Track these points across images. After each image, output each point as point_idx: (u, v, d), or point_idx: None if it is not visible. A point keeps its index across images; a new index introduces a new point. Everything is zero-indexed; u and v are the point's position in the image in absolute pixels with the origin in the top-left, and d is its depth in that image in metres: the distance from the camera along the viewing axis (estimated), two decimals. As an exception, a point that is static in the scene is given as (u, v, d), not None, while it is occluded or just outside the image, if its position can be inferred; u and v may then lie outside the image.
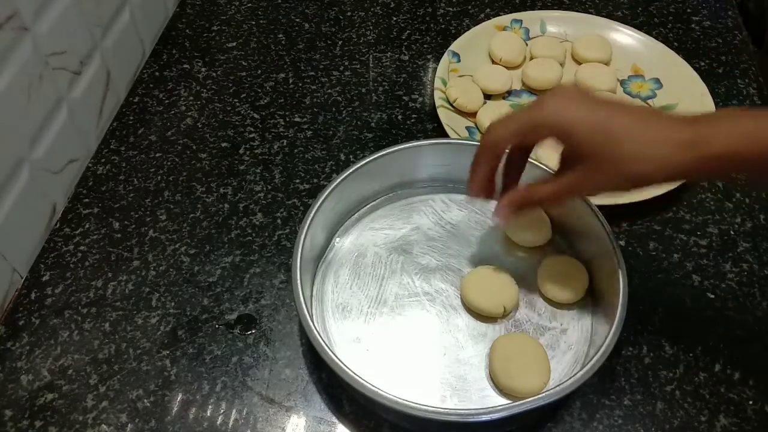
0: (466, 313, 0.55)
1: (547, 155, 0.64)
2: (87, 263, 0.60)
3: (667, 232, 0.62)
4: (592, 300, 0.55)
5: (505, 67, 0.75)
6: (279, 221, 0.63)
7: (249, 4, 0.86)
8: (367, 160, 0.58)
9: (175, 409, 0.51)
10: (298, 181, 0.66)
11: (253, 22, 0.83)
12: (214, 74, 0.77)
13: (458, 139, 0.65)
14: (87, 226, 0.62)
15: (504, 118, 0.48)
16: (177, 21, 0.83)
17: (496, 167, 0.50)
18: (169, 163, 0.68)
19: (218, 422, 0.50)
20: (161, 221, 0.63)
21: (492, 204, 0.53)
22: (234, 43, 0.81)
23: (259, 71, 0.77)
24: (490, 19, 0.80)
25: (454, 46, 0.76)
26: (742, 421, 0.50)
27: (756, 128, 0.41)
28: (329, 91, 0.75)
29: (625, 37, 0.77)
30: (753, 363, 0.53)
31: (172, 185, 0.66)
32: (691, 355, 0.54)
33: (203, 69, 0.77)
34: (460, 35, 0.77)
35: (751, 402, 0.51)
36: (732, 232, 0.62)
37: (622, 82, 0.74)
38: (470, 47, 0.76)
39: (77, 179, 0.66)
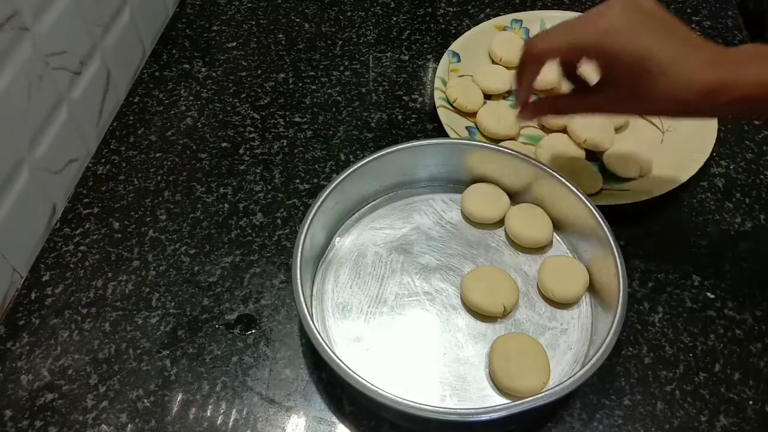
0: (466, 313, 0.55)
1: (546, 153, 0.65)
2: (87, 263, 0.60)
3: (667, 232, 0.62)
4: (592, 300, 0.55)
5: (505, 67, 0.75)
6: (279, 221, 0.63)
7: (249, 4, 0.86)
8: (367, 160, 0.58)
9: (175, 409, 0.51)
10: (298, 181, 0.66)
11: (253, 22, 0.83)
12: (214, 74, 0.77)
13: (458, 139, 0.65)
14: (87, 226, 0.62)
15: (553, 30, 0.49)
16: (177, 21, 0.83)
17: (538, 74, 0.51)
18: (169, 163, 0.68)
19: (218, 422, 0.50)
20: (161, 221, 0.63)
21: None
22: (234, 43, 0.81)
23: (259, 71, 0.77)
24: (490, 19, 0.80)
25: (454, 46, 0.76)
26: (742, 421, 0.50)
27: None
28: (329, 91, 0.75)
29: (625, 37, 0.77)
30: (753, 363, 0.53)
31: (172, 185, 0.66)
32: (691, 355, 0.54)
33: (203, 69, 0.77)
34: (460, 35, 0.77)
35: (751, 402, 0.51)
36: (732, 232, 0.62)
37: (622, 82, 0.74)
38: (470, 47, 0.76)
39: (77, 179, 0.66)
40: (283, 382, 0.52)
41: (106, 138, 0.70)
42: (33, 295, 0.57)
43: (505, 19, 0.80)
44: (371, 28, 0.83)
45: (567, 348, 0.53)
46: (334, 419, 0.51)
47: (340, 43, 0.81)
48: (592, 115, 0.52)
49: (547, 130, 0.69)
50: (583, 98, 0.51)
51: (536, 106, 0.53)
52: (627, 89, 0.47)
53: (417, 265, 0.58)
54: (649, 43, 0.45)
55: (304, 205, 0.64)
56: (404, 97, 0.74)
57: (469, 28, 0.78)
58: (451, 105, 0.70)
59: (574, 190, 0.56)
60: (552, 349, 0.52)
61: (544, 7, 0.85)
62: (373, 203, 0.62)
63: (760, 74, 0.44)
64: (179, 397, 0.52)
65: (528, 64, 0.51)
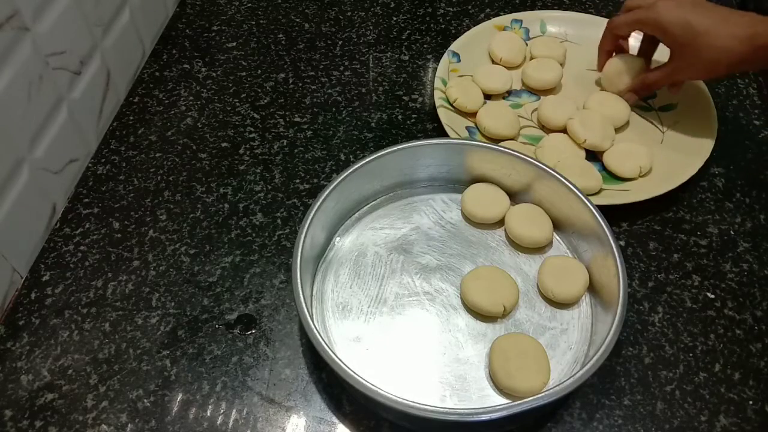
0: (466, 313, 0.55)
1: (546, 157, 0.65)
2: (87, 263, 0.60)
3: (667, 232, 0.62)
4: (592, 300, 0.55)
5: (505, 67, 0.75)
6: (279, 221, 0.63)
7: (249, 4, 0.86)
8: (367, 159, 0.58)
9: (175, 409, 0.51)
10: (298, 181, 0.66)
11: (253, 22, 0.83)
12: (214, 74, 0.77)
13: (458, 139, 0.65)
14: (87, 226, 0.62)
15: (626, 12, 0.67)
16: (177, 21, 0.83)
17: (615, 45, 0.71)
18: (169, 163, 0.68)
19: (218, 422, 0.50)
20: (161, 221, 0.63)
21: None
22: (234, 43, 0.81)
23: (259, 71, 0.77)
24: (490, 19, 0.80)
25: (454, 46, 0.76)
26: (742, 421, 0.50)
27: None
28: (329, 91, 0.75)
29: (625, 37, 0.77)
30: (753, 363, 0.53)
31: (172, 185, 0.66)
32: (691, 355, 0.54)
33: (203, 69, 0.77)
34: (460, 35, 0.77)
35: (751, 402, 0.51)
36: (732, 232, 0.62)
37: (622, 82, 0.75)
38: (470, 47, 0.76)
39: (77, 179, 0.66)
40: (283, 382, 0.52)
41: (106, 138, 0.70)
42: (33, 295, 0.57)
43: (505, 19, 0.80)
44: (371, 28, 0.83)
45: (567, 348, 0.53)
46: (334, 419, 0.51)
47: (340, 43, 0.81)
48: (672, 82, 0.67)
49: (547, 130, 0.69)
50: (660, 69, 0.66)
51: (634, 86, 0.69)
52: (682, 50, 0.62)
53: (417, 265, 0.58)
54: (690, 15, 0.60)
55: (304, 205, 0.64)
56: (404, 97, 0.74)
57: (469, 28, 0.78)
58: (451, 105, 0.70)
59: (574, 190, 0.56)
60: (552, 349, 0.52)
61: (544, 7, 0.85)
62: (373, 203, 0.62)
63: None
64: (179, 397, 0.52)
65: (607, 36, 0.70)
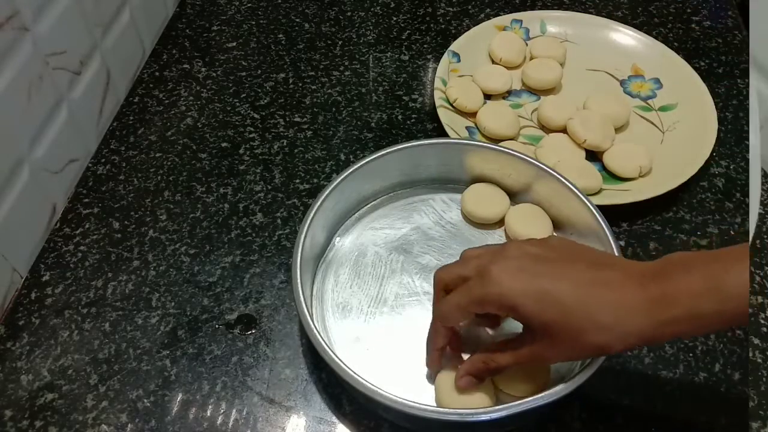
0: (466, 313, 0.55)
1: (546, 157, 0.65)
2: (87, 263, 0.60)
3: (667, 232, 0.62)
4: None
5: (505, 67, 0.75)
6: (279, 221, 0.63)
7: (249, 4, 0.86)
8: (367, 159, 0.58)
9: (175, 409, 0.51)
10: (298, 181, 0.66)
11: (253, 22, 0.83)
12: (214, 74, 0.77)
13: (458, 139, 0.65)
14: (87, 226, 0.62)
15: (453, 293, 0.45)
16: (177, 21, 0.83)
17: (451, 338, 0.48)
18: (169, 163, 0.68)
19: (218, 422, 0.50)
20: (161, 221, 0.63)
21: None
22: (234, 43, 0.81)
23: (259, 71, 0.77)
24: (490, 19, 0.80)
25: (454, 46, 0.76)
26: (742, 421, 0.50)
27: (714, 281, 0.38)
28: (329, 91, 0.75)
29: (625, 37, 0.78)
30: (753, 363, 0.53)
31: (172, 185, 0.66)
32: (691, 355, 0.54)
33: (203, 69, 0.77)
34: (460, 35, 0.77)
35: (751, 402, 0.51)
36: (732, 232, 0.62)
37: (622, 82, 0.75)
38: (470, 47, 0.76)
39: (77, 179, 0.66)
40: (283, 382, 0.52)
41: (106, 138, 0.70)
42: (33, 295, 0.57)
43: (505, 19, 0.80)
44: (371, 28, 0.83)
45: (567, 348, 0.52)
46: (334, 419, 0.51)
47: (340, 43, 0.81)
48: (529, 364, 0.47)
49: (547, 130, 0.69)
50: (513, 351, 0.44)
51: (470, 371, 0.47)
52: (548, 332, 0.41)
53: (417, 265, 0.58)
54: (547, 282, 0.41)
55: (304, 205, 0.64)
56: (404, 97, 0.74)
57: (469, 28, 0.78)
58: (451, 105, 0.70)
59: (574, 190, 0.56)
60: (552, 349, 0.52)
61: (544, 7, 0.85)
62: (373, 203, 0.62)
63: (695, 284, 0.38)
64: (179, 397, 0.52)
65: (437, 332, 0.48)
